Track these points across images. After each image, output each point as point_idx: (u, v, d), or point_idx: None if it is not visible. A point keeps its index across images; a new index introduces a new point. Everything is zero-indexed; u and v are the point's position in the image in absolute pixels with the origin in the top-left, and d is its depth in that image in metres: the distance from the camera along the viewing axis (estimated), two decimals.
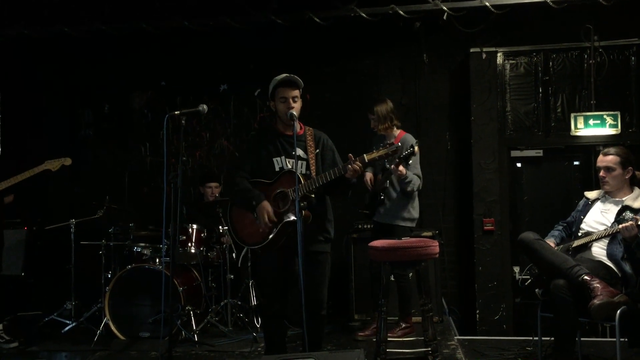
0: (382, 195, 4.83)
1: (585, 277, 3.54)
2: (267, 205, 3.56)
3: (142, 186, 6.58)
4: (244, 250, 5.40)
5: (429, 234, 5.36)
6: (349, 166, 3.44)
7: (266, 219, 3.53)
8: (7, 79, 6.85)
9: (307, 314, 3.32)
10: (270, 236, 3.57)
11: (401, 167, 4.45)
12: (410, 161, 4.66)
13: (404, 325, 4.87)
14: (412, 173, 4.69)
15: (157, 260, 5.16)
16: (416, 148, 4.06)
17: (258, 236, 3.62)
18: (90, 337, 4.87)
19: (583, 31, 5.78)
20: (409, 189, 4.68)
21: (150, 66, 6.59)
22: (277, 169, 3.67)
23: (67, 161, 4.94)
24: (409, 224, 4.81)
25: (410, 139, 4.85)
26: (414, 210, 4.85)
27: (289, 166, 3.65)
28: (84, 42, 6.37)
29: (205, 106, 3.79)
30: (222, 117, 6.55)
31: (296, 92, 3.66)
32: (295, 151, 3.53)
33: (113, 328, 4.95)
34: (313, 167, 3.63)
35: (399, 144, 3.54)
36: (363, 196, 5.02)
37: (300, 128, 3.75)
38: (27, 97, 6.77)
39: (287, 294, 3.70)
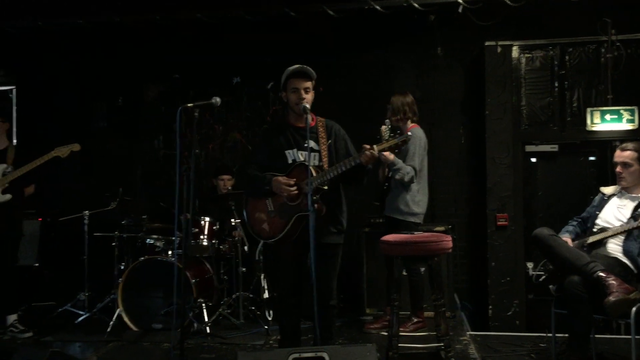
0: (386, 185, 4.81)
1: (601, 274, 3.51)
2: (278, 179, 3.54)
3: (155, 179, 6.61)
4: (261, 243, 5.39)
5: (442, 228, 5.33)
6: (364, 153, 3.41)
7: (287, 189, 3.50)
8: (22, 72, 6.90)
9: (317, 305, 3.32)
10: (284, 231, 3.56)
11: (387, 152, 4.42)
12: (409, 151, 4.61)
13: (415, 320, 4.86)
14: (408, 164, 4.64)
15: (170, 252, 5.17)
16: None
17: (272, 230, 3.61)
18: (103, 328, 4.90)
19: (600, 25, 5.70)
20: (397, 176, 4.61)
21: (164, 59, 6.60)
22: (289, 161, 3.65)
23: (76, 147, 4.97)
24: (410, 219, 4.72)
25: (418, 133, 4.79)
26: (415, 205, 4.74)
27: (301, 158, 3.62)
28: (97, 35, 6.39)
29: (218, 99, 3.77)
30: (235, 110, 6.55)
31: (308, 84, 3.64)
32: (307, 143, 3.51)
33: (126, 319, 4.98)
34: (325, 159, 3.61)
35: (409, 134, 3.51)
36: (377, 189, 5.00)
37: (312, 119, 3.73)
38: (42, 89, 6.82)
39: (301, 286, 3.69)
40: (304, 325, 4.05)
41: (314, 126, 3.70)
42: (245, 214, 3.77)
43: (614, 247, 3.81)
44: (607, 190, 4.10)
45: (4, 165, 4.94)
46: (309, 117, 3.56)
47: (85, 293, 5.42)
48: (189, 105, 3.73)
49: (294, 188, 3.51)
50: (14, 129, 6.77)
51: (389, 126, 4.16)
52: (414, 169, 4.65)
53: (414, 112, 4.89)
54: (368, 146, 3.43)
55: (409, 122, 4.86)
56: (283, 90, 3.71)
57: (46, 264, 6.09)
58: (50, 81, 6.80)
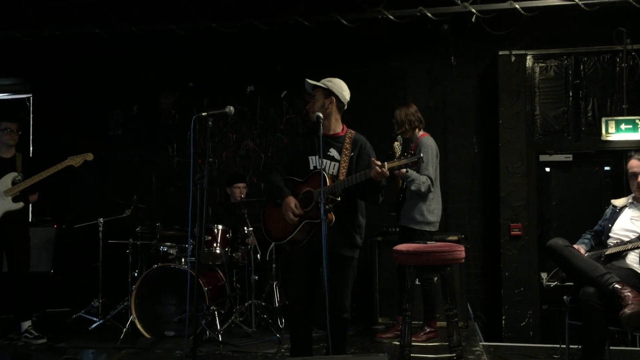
0: (401, 196, 4.81)
1: (616, 286, 3.48)
2: (290, 200, 3.57)
3: (168, 186, 6.65)
4: (272, 245, 5.40)
5: (455, 238, 5.31)
6: (374, 168, 3.42)
7: (290, 215, 3.55)
8: (38, 80, 6.99)
9: (330, 317, 3.31)
10: (292, 235, 3.59)
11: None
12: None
13: (428, 330, 4.83)
14: (423, 173, 4.63)
15: (183, 260, 5.20)
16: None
17: (282, 232, 3.65)
18: (116, 334, 4.92)
19: (615, 34, 5.69)
20: (413, 187, 4.61)
21: (178, 67, 6.66)
22: (311, 167, 3.70)
23: (89, 156, 5.01)
24: (425, 228, 4.72)
25: (429, 141, 4.77)
26: (430, 214, 4.73)
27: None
28: (113, 44, 6.46)
29: (232, 108, 3.80)
30: (249, 118, 6.58)
31: (315, 93, 3.73)
32: (320, 152, 3.52)
33: (139, 326, 5.00)
34: (344, 170, 3.63)
35: (421, 154, 3.47)
36: (393, 200, 4.99)
37: (342, 129, 3.77)
38: (58, 97, 6.90)
39: (313, 295, 3.69)
40: (317, 334, 4.06)
41: (342, 136, 3.74)
42: (262, 212, 3.83)
43: (634, 259, 3.77)
44: (618, 202, 4.08)
45: (14, 174, 4.99)
46: (322, 124, 3.58)
47: (99, 300, 5.44)
48: (203, 114, 3.75)
49: (297, 219, 3.55)
50: (30, 137, 6.87)
51: (401, 142, 4.16)
52: (429, 178, 4.65)
53: (420, 120, 4.87)
54: (379, 163, 3.41)
55: (416, 130, 4.85)
56: None
57: (61, 270, 6.13)
58: (66, 89, 6.88)
